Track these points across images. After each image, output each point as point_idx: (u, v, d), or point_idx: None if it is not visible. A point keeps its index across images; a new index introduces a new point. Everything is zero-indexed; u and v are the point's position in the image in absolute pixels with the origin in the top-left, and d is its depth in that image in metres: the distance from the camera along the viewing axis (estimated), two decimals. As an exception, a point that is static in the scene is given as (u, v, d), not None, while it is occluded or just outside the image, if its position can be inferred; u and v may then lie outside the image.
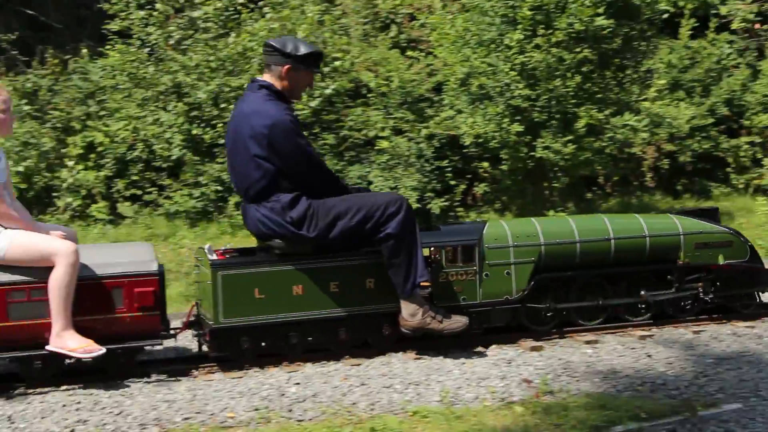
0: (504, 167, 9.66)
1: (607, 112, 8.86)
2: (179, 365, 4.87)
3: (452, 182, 9.86)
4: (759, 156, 11.26)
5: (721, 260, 5.53)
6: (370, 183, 9.26)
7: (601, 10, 8.46)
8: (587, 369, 4.64)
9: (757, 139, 11.33)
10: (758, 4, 12.38)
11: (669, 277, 5.48)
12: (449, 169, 9.84)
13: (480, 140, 9.13)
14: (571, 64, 8.58)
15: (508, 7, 8.74)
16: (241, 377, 4.61)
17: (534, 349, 5.00)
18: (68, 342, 4.32)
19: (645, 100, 10.28)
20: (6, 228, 4.41)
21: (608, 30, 8.50)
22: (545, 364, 4.70)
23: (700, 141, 10.99)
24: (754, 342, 5.12)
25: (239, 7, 10.27)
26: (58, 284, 4.28)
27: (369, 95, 9.88)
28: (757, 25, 12.51)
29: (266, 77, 4.81)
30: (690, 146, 10.91)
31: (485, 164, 10.17)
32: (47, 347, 4.35)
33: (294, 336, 4.80)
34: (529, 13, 8.57)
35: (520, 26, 8.65)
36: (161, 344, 4.79)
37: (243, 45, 9.60)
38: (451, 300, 5.05)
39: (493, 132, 8.88)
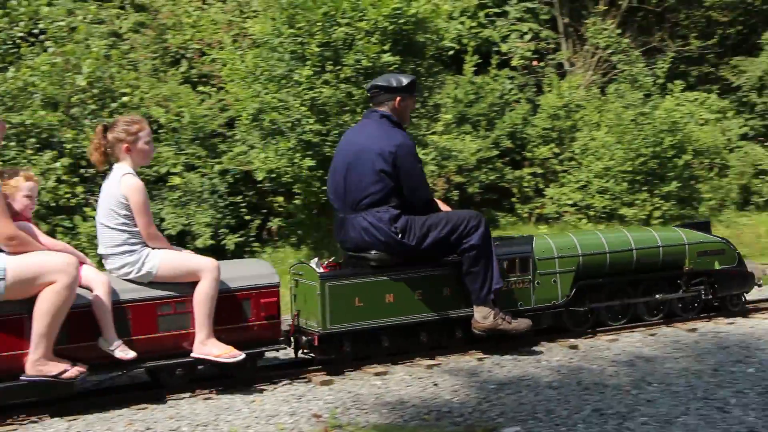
0: (297, 201, 9.70)
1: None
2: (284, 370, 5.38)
3: (247, 217, 9.76)
4: (540, 186, 11.94)
5: (717, 266, 6.47)
6: (162, 220, 9.00)
7: (386, 47, 8.72)
8: (376, 401, 4.69)
9: (539, 170, 12.01)
10: (535, 42, 13.25)
11: (678, 281, 6.40)
12: (244, 204, 9.76)
13: (273, 175, 9.12)
14: (359, 100, 8.76)
15: (297, 43, 8.83)
16: None
17: (324, 383, 5.02)
18: (212, 349, 4.80)
19: (433, 133, 10.65)
20: (153, 248, 4.88)
21: (395, 66, 8.77)
22: (335, 397, 4.73)
23: (487, 172, 11.50)
24: (533, 366, 5.35)
25: (18, 41, 9.74)
26: (203, 297, 4.80)
27: (160, 131, 9.63)
28: (534, 62, 13.37)
29: (383, 109, 5.57)
30: (477, 177, 11.39)
31: (280, 199, 10.17)
32: (192, 354, 4.83)
33: (385, 340, 5.42)
34: (317, 49, 8.70)
35: (309, 62, 8.76)
36: (285, 348, 5.34)
37: (23, 80, 9.10)
38: (511, 305, 5.71)
39: (285, 167, 8.90)
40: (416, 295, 5.47)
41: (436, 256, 5.53)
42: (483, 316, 5.45)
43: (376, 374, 5.19)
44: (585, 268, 6.04)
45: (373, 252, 5.39)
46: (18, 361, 4.38)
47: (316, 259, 5.60)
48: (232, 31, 10.75)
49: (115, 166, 4.93)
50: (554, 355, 5.61)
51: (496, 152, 11.60)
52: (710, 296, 6.53)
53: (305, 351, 5.46)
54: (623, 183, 11.23)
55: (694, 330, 6.38)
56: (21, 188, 4.85)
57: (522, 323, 5.56)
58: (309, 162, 8.80)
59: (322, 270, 5.43)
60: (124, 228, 4.81)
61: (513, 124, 11.97)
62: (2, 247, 4.43)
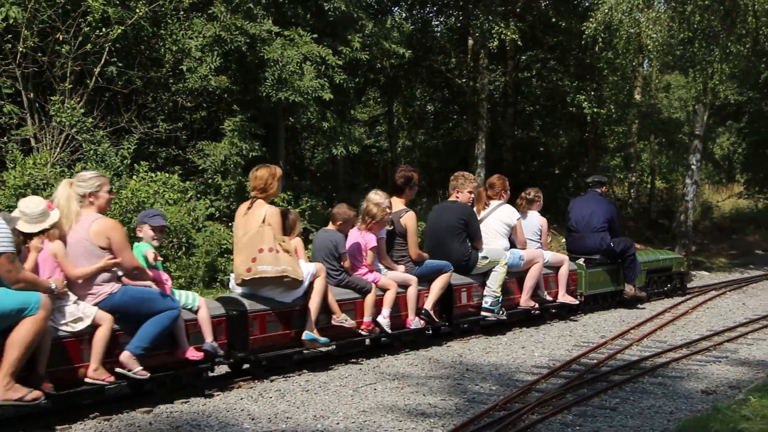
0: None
1: None
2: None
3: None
4: None
5: (682, 268, 14.48)
6: None
7: None
8: None
9: None
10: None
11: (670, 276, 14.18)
12: None
13: None
14: None
15: None
16: None
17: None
18: None
19: None
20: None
21: None
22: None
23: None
24: None
25: None
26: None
27: None
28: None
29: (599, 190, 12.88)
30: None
31: None
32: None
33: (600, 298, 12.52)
34: None
35: None
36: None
37: None
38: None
39: None
40: (601, 278, 12.31)
41: (618, 258, 12.42)
42: (631, 288, 12.42)
43: None
44: (648, 270, 13.34)
45: (597, 255, 12.27)
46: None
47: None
48: None
49: None
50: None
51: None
52: (678, 285, 14.28)
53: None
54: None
55: (149, 412, 6.38)
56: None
57: (644, 294, 12.76)
58: None
59: (582, 261, 12.08)
60: None
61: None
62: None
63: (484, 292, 9.88)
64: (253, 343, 7.47)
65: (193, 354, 6.79)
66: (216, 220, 14.48)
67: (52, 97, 13.08)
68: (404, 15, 23.71)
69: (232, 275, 7.84)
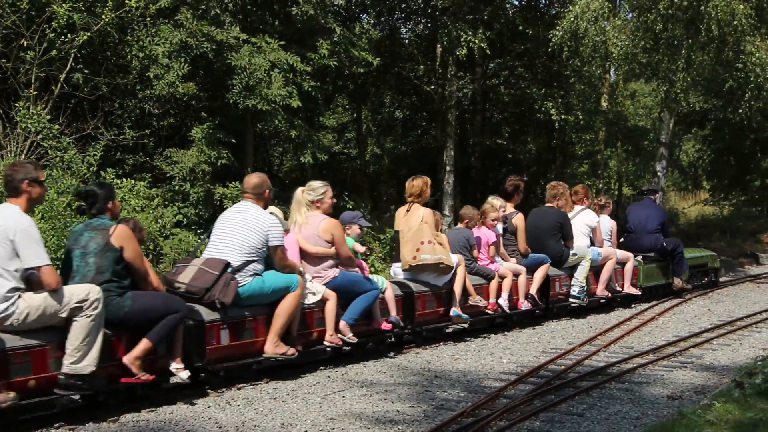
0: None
1: None
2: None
3: None
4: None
5: (716, 264, 16.73)
6: None
7: None
8: None
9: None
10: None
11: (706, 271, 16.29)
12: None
13: None
14: None
15: None
16: None
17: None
18: None
19: None
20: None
21: None
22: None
23: None
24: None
25: None
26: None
27: None
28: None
29: (653, 197, 15.18)
30: None
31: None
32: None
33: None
34: None
35: None
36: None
37: None
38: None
39: None
40: (656, 273, 14.21)
41: (669, 256, 14.24)
42: (678, 281, 14.21)
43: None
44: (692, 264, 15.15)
45: (652, 253, 14.07)
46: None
47: None
48: None
49: None
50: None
51: None
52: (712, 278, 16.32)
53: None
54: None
55: (115, 421, 6.31)
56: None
57: (689, 286, 14.69)
58: None
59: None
60: None
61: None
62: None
63: (572, 282, 12.06)
64: (418, 318, 9.56)
65: (384, 325, 8.81)
66: (185, 227, 14.38)
67: (16, 104, 12.92)
68: (372, 22, 23.76)
69: (395, 264, 10.15)
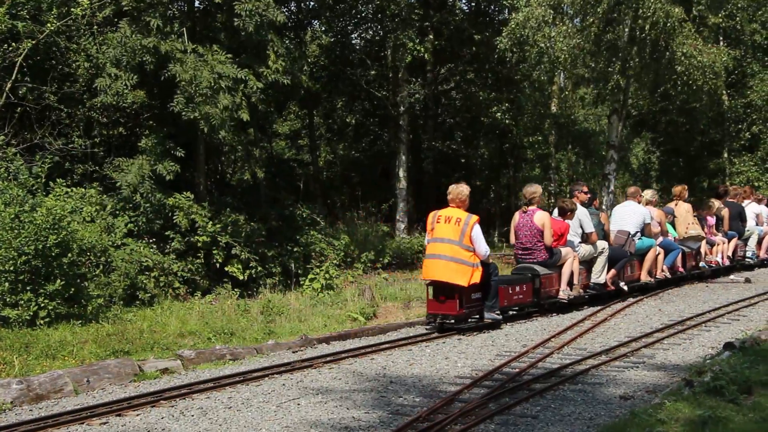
0: None
1: None
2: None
3: None
4: None
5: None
6: None
7: None
8: None
9: None
10: None
11: None
12: None
13: None
14: None
15: None
16: None
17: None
18: None
19: None
20: None
21: None
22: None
23: None
24: None
25: None
26: None
27: None
28: None
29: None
30: None
31: None
32: None
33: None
34: None
35: None
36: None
37: None
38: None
39: None
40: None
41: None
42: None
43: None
44: None
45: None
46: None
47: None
48: None
49: None
50: None
51: None
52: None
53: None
54: (5, 283, 10.65)
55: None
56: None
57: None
58: None
59: None
60: None
61: None
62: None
63: (746, 248, 18.28)
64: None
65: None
66: (136, 237, 14.19)
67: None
68: (323, 28, 23.74)
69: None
